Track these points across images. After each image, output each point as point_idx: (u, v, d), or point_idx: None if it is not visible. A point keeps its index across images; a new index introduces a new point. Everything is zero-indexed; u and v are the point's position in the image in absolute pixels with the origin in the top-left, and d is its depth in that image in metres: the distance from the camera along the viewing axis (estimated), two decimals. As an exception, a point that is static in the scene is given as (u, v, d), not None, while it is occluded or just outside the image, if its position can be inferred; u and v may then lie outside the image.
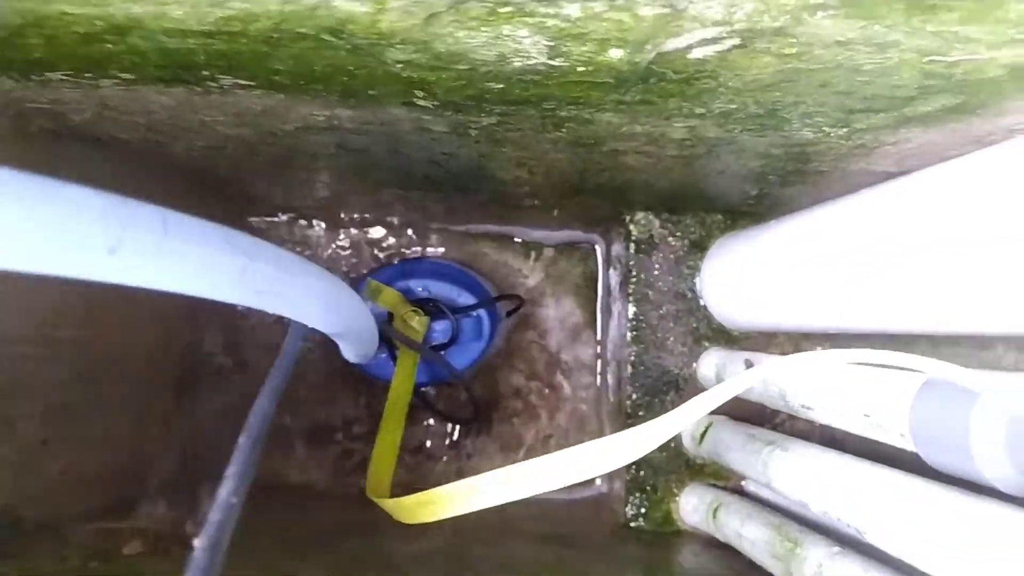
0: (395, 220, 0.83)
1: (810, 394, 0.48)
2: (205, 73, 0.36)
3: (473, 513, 0.79)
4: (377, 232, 0.84)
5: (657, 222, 0.73)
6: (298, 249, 0.83)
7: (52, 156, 0.50)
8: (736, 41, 0.29)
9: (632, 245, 0.73)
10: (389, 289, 0.68)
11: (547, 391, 0.88)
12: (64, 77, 0.38)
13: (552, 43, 0.29)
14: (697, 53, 0.31)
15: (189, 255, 0.20)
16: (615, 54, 0.30)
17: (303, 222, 0.83)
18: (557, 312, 0.87)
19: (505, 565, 0.57)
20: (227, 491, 0.22)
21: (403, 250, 0.84)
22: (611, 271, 0.82)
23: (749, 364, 0.60)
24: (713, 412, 0.71)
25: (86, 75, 0.37)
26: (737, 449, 0.59)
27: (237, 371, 0.81)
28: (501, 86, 0.36)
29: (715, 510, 0.64)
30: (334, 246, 0.84)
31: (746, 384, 0.44)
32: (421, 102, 0.40)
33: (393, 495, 0.58)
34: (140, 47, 0.32)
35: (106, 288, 0.61)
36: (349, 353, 0.46)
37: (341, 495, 0.77)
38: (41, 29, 0.30)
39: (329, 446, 0.82)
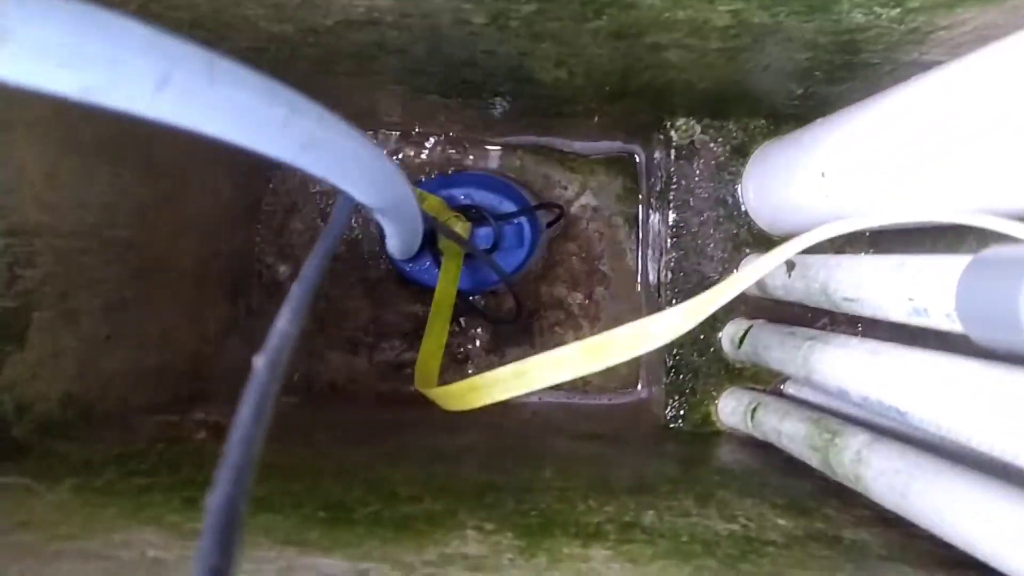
0: (435, 132, 0.83)
1: (852, 285, 0.48)
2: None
3: (515, 413, 0.82)
4: (417, 145, 0.84)
5: (698, 128, 0.72)
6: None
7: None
8: None
9: (673, 151, 0.72)
10: (432, 196, 0.69)
11: (587, 301, 0.88)
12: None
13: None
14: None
15: (235, 98, 0.21)
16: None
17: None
18: (597, 223, 0.88)
19: (546, 455, 0.59)
20: (284, 320, 0.23)
21: (443, 164, 0.84)
22: (651, 180, 0.81)
23: (791, 266, 0.59)
24: (753, 316, 0.72)
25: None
26: (776, 347, 0.59)
27: (289, 279, 0.83)
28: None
29: (753, 410, 0.65)
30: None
31: (783, 256, 0.44)
32: (462, -12, 0.40)
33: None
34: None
35: (154, 192, 0.62)
36: (394, 244, 0.47)
37: (390, 396, 0.80)
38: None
39: (378, 350, 0.84)
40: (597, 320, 0.89)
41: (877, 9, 0.43)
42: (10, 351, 0.46)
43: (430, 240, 0.70)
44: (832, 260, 0.54)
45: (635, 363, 0.87)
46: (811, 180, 0.59)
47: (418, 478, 0.49)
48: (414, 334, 0.84)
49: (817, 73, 0.58)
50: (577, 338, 0.88)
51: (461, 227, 0.68)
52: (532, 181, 0.86)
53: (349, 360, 0.83)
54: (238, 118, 0.22)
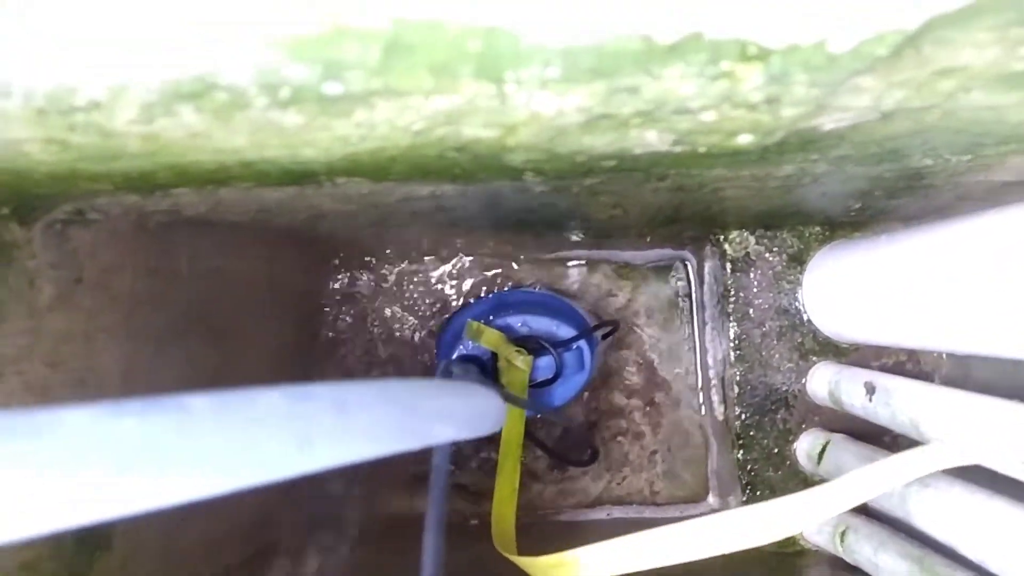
0: (484, 254, 0.83)
1: (948, 426, 0.46)
2: (324, 179, 0.37)
3: (591, 533, 0.80)
4: (466, 266, 0.84)
5: (752, 239, 0.71)
6: (383, 286, 0.85)
7: (166, 241, 0.52)
8: (876, 116, 0.28)
9: (728, 264, 0.71)
10: (490, 329, 0.69)
11: (648, 408, 0.87)
12: (187, 191, 0.39)
13: (679, 137, 0.28)
14: (829, 126, 0.30)
15: (365, 418, 0.21)
16: (743, 139, 0.29)
17: (396, 264, 0.85)
18: (651, 329, 0.87)
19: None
20: None
21: (493, 281, 0.84)
22: (704, 288, 0.80)
23: (870, 388, 0.58)
24: (829, 426, 0.70)
25: (208, 187, 0.38)
26: (864, 477, 0.57)
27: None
28: (614, 163, 0.36)
29: (842, 533, 0.62)
30: (422, 281, 0.85)
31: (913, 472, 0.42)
32: (529, 178, 0.40)
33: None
34: (265, 170, 0.33)
35: (222, 353, 0.63)
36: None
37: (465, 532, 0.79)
38: (173, 170, 0.31)
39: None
40: (659, 427, 0.87)
41: (948, 156, 0.43)
42: (99, 555, 0.45)
43: (490, 374, 0.69)
44: (920, 390, 0.52)
45: (702, 473, 0.85)
46: (876, 295, 0.57)
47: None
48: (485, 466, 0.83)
49: (877, 193, 0.57)
50: (641, 447, 0.87)
51: (523, 361, 0.67)
52: (582, 291, 0.86)
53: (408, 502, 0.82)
54: (374, 433, 0.21)
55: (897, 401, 0.53)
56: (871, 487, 0.44)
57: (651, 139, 0.28)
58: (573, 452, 0.81)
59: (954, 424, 0.46)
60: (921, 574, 0.50)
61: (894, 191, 0.56)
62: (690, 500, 0.85)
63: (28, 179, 0.30)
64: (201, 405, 0.16)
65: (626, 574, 0.44)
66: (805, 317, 0.70)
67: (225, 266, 0.62)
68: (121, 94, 0.20)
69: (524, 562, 0.50)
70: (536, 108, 0.22)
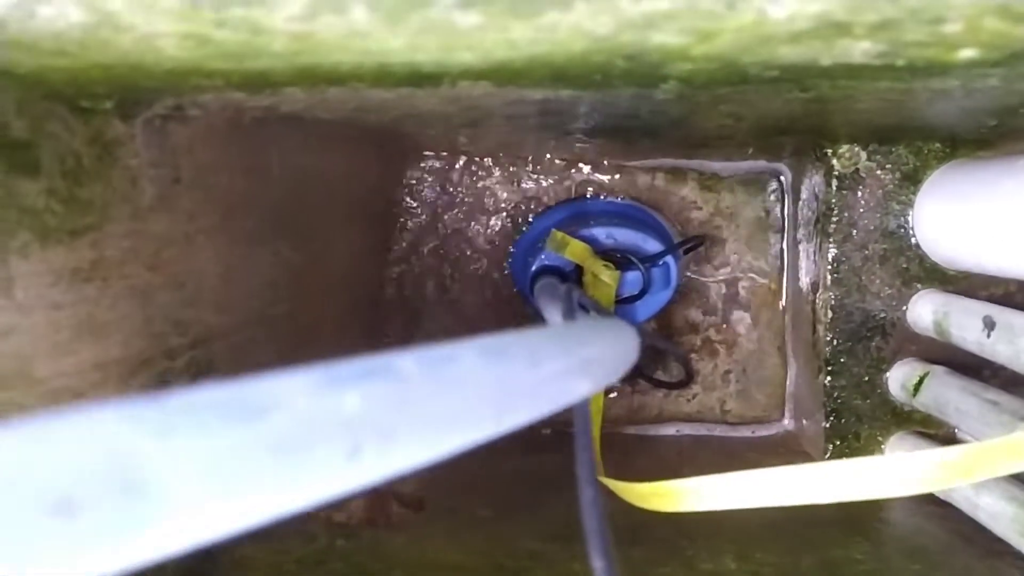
0: (569, 159, 0.79)
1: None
2: (447, 82, 0.33)
3: (662, 451, 0.79)
4: (549, 170, 0.81)
5: (863, 154, 0.66)
6: (461, 188, 0.82)
7: (258, 139, 0.50)
8: None
9: (834, 181, 0.67)
10: (575, 241, 0.66)
11: (724, 326, 0.84)
12: (298, 90, 0.36)
13: (890, 49, 0.24)
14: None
15: (554, 379, 0.18)
16: (965, 54, 0.25)
17: (474, 165, 0.81)
18: (735, 246, 0.83)
19: (716, 525, 0.56)
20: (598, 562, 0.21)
21: (575, 187, 0.81)
22: (800, 204, 0.76)
23: (989, 323, 0.54)
24: (927, 357, 0.66)
25: (319, 86, 0.35)
26: (974, 417, 0.54)
27: (420, 317, 0.82)
28: (777, 73, 0.31)
29: (934, 468, 0.60)
30: (502, 184, 0.82)
31: None
32: (667, 86, 0.36)
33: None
34: (393, 72, 0.30)
35: (306, 256, 0.61)
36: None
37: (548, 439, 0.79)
38: (303, 71, 0.28)
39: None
40: (735, 346, 0.84)
41: None
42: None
43: (576, 284, 0.67)
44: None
45: (779, 391, 0.83)
46: (1003, 218, 0.53)
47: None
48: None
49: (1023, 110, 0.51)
50: (715, 366, 0.85)
51: (609, 275, 0.65)
52: (663, 201, 0.82)
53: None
54: (556, 388, 0.19)
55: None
56: None
57: (856, 51, 0.24)
58: (658, 372, 0.79)
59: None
60: (1033, 519, 0.48)
61: (1045, 109, 0.51)
62: (762, 421, 0.83)
63: (141, 73, 0.28)
64: (410, 368, 0.14)
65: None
66: (913, 241, 0.66)
67: (310, 165, 0.59)
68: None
69: (617, 486, 0.49)
70: (768, 11, 0.19)
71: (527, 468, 0.70)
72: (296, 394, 0.12)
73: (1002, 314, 0.54)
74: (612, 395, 0.83)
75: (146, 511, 0.10)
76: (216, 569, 0.44)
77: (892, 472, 0.35)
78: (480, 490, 0.62)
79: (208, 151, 0.43)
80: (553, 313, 0.53)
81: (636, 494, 0.47)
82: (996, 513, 0.52)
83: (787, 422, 0.81)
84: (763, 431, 0.82)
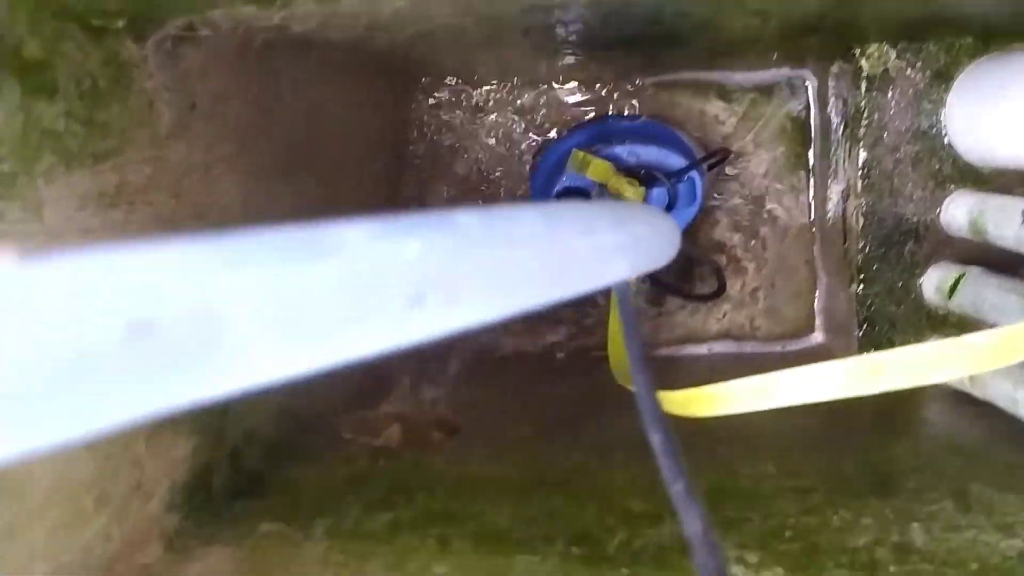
0: (586, 79, 0.77)
1: None
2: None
3: (691, 369, 0.79)
4: (565, 90, 0.79)
5: (893, 53, 0.64)
6: (475, 112, 0.80)
7: (268, 66, 0.49)
8: None
9: (864, 83, 0.64)
10: (598, 159, 0.65)
11: (752, 242, 0.83)
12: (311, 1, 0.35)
13: None
14: None
15: (606, 249, 0.18)
16: None
17: (488, 91, 0.80)
18: (759, 159, 0.81)
19: (752, 436, 0.57)
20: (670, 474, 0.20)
21: (594, 107, 0.79)
22: (828, 111, 0.73)
23: (1029, 215, 0.53)
24: (962, 259, 0.65)
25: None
26: (1012, 314, 0.53)
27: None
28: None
29: (972, 369, 0.60)
30: (517, 108, 0.80)
31: None
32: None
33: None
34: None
35: (326, 188, 0.61)
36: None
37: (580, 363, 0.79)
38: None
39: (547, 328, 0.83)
40: (763, 263, 0.83)
41: None
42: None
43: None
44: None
45: (808, 306, 0.82)
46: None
47: (640, 485, 0.47)
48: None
49: (1065, -12, 0.49)
50: (743, 284, 0.84)
51: (634, 192, 0.63)
52: (685, 117, 0.80)
53: (538, 327, 0.82)
54: (606, 261, 0.18)
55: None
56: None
57: None
58: (687, 286, 0.79)
59: None
60: (1077, 409, 0.48)
61: (1088, -15, 0.48)
62: (793, 336, 0.83)
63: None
64: (472, 223, 0.13)
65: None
66: (946, 141, 0.64)
67: (322, 94, 0.58)
68: None
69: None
70: None
71: (558, 394, 0.71)
72: (360, 239, 0.12)
73: (1040, 205, 0.52)
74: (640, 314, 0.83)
75: (215, 336, 0.10)
76: (266, 489, 0.45)
77: (937, 355, 0.35)
78: (515, 415, 0.62)
79: (220, 78, 0.42)
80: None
81: (674, 402, 0.47)
82: (1038, 407, 0.51)
83: (818, 335, 0.81)
84: (794, 346, 0.82)
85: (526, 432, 0.58)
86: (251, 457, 0.48)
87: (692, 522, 0.17)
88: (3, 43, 0.27)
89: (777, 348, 0.82)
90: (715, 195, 0.81)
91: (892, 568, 0.36)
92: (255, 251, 0.11)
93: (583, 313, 0.81)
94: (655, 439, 0.21)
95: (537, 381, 0.74)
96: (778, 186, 0.81)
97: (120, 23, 0.33)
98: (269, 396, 0.45)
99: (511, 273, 0.14)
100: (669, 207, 0.66)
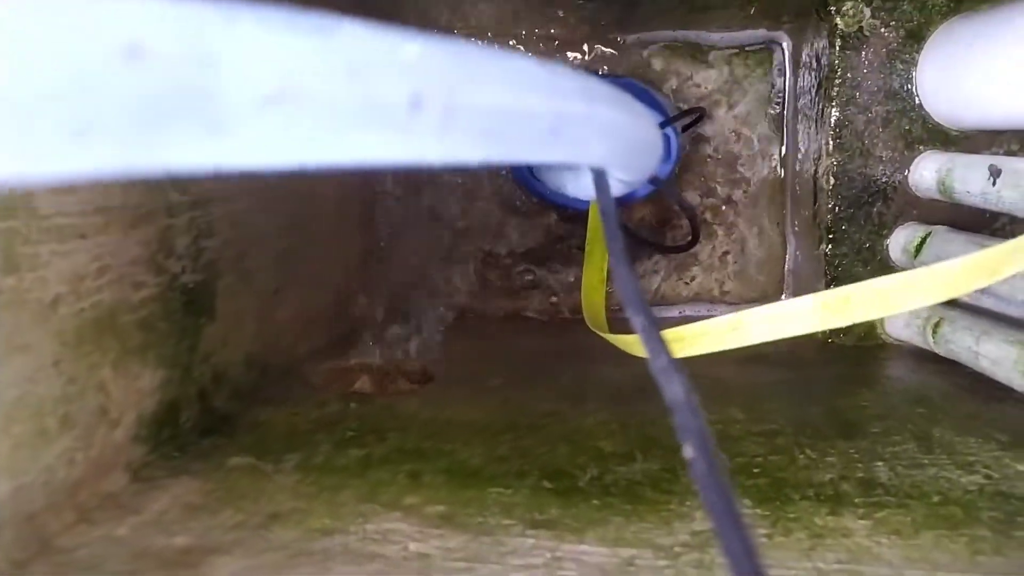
0: (563, 37, 0.77)
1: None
2: None
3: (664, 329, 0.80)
4: (542, 47, 0.78)
5: (868, 11, 0.64)
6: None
7: None
8: None
9: (838, 41, 0.65)
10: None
11: (723, 207, 0.84)
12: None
13: None
14: None
15: (600, 124, 0.17)
16: None
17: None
18: (734, 123, 0.81)
19: (723, 386, 0.57)
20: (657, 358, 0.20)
21: (571, 66, 0.78)
22: (801, 71, 0.74)
23: (995, 171, 0.54)
24: (928, 219, 0.66)
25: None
26: (979, 264, 0.54)
27: (411, 205, 0.81)
28: None
29: (935, 325, 0.61)
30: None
31: None
32: None
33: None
34: None
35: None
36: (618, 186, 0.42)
37: (555, 322, 0.79)
38: None
39: (535, 276, 0.83)
40: (735, 227, 0.84)
41: None
42: (203, 324, 0.45)
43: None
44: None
45: (778, 269, 0.83)
46: (1007, 69, 0.52)
47: (614, 427, 0.47)
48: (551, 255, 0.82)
49: (1038, -55, 0.50)
50: (713, 248, 0.85)
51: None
52: (661, 79, 0.80)
53: (487, 287, 0.82)
54: (600, 134, 0.18)
55: (1032, 181, 0.49)
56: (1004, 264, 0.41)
57: None
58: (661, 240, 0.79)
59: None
60: (1035, 358, 0.49)
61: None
62: (762, 299, 0.84)
63: None
64: (472, 48, 0.13)
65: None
66: (917, 101, 0.65)
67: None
68: None
69: (620, 340, 0.49)
70: None
71: (533, 349, 0.71)
72: (359, 31, 0.11)
73: (1007, 162, 0.53)
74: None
75: (210, 85, 0.09)
76: (235, 429, 0.44)
77: (905, 284, 0.35)
78: (491, 363, 0.62)
79: None
80: (569, 178, 0.52)
81: (639, 345, 0.47)
82: (998, 358, 0.52)
83: (785, 298, 0.82)
84: (762, 308, 0.82)
85: (500, 382, 0.58)
86: (220, 398, 0.47)
87: (674, 391, 0.17)
88: None
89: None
90: (689, 155, 0.81)
91: (857, 500, 0.37)
92: (255, 14, 0.10)
93: (558, 281, 0.81)
94: (637, 321, 0.21)
95: (513, 338, 0.74)
96: (751, 148, 0.81)
97: None
98: (237, 338, 0.44)
99: (506, 109, 0.14)
100: (644, 162, 0.66)
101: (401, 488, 0.38)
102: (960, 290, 0.34)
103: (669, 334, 0.45)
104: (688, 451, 0.16)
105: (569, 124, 0.16)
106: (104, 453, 0.35)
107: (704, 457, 0.16)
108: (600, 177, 0.29)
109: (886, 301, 0.36)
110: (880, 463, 0.41)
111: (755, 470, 0.41)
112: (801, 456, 0.43)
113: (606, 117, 0.18)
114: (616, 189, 0.42)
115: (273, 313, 0.55)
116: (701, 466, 0.16)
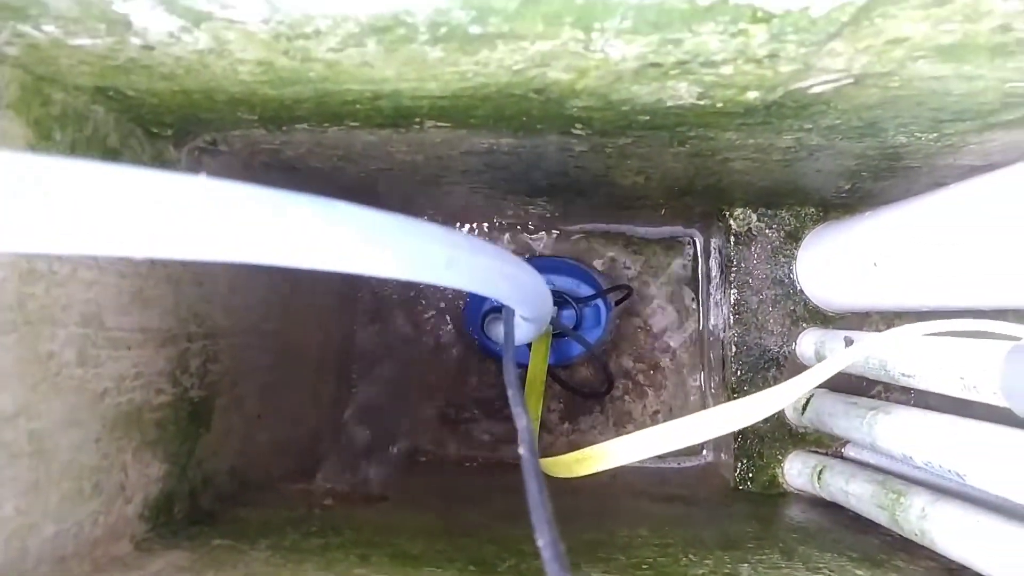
0: (515, 223, 0.93)
1: (910, 363, 0.56)
2: (417, 120, 0.46)
3: (602, 479, 0.89)
4: (499, 234, 0.94)
5: (754, 216, 0.81)
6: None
7: (261, 178, 0.62)
8: (850, 80, 0.38)
9: (732, 238, 0.81)
10: (519, 284, 0.78)
11: (652, 372, 0.96)
12: (306, 127, 0.48)
13: (702, 90, 0.38)
14: (817, 89, 0.39)
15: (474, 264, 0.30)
16: (752, 95, 0.38)
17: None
18: (659, 300, 0.96)
19: (637, 515, 0.66)
20: (521, 419, 0.31)
21: (523, 249, 0.94)
22: (710, 261, 0.90)
23: (849, 341, 0.67)
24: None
25: (324, 125, 0.48)
26: (840, 416, 0.66)
27: (385, 358, 0.93)
28: (648, 117, 0.45)
29: (819, 472, 0.72)
30: (458, 247, 0.94)
31: (853, 358, 0.52)
32: (577, 131, 0.49)
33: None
34: (382, 107, 0.42)
35: (292, 286, 0.73)
36: (524, 335, 0.55)
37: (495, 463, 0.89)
38: (321, 99, 0.41)
39: (471, 423, 0.93)
40: (663, 388, 0.96)
41: (917, 134, 0.52)
42: (201, 433, 0.55)
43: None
44: (886, 338, 0.61)
45: (700, 428, 0.94)
46: (862, 268, 0.67)
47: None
48: (501, 407, 0.93)
49: (864, 174, 0.66)
50: (644, 407, 0.96)
51: (548, 311, 0.77)
52: (600, 262, 0.95)
53: (442, 432, 0.92)
54: (476, 280, 0.30)
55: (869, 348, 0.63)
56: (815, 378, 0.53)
57: (682, 91, 0.37)
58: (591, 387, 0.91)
59: (912, 361, 0.55)
60: (883, 491, 0.60)
61: (878, 172, 0.66)
62: (687, 454, 0.94)
63: (207, 102, 0.40)
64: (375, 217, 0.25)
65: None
66: (798, 287, 0.80)
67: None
68: (339, 24, 0.29)
69: (549, 461, 0.59)
70: (608, 53, 0.32)
71: (476, 483, 0.80)
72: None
73: (857, 335, 0.67)
74: (559, 435, 0.94)
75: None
76: (218, 523, 0.53)
77: (744, 407, 0.47)
78: (434, 491, 0.71)
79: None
80: (500, 331, 0.65)
81: (564, 465, 0.57)
82: (860, 495, 0.63)
83: (706, 454, 0.92)
84: (687, 463, 0.93)
85: (446, 504, 0.66)
86: (206, 499, 0.56)
87: (546, 540, 0.27)
88: (97, 133, 0.40)
89: (674, 464, 0.93)
90: (619, 329, 0.95)
91: (719, 584, 0.46)
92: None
93: (506, 434, 0.92)
94: (516, 412, 0.32)
95: (459, 475, 0.83)
96: (674, 323, 0.96)
97: (168, 132, 0.46)
98: (225, 451, 0.54)
99: (408, 255, 0.26)
100: (576, 326, 0.79)
101: (352, 563, 0.46)
102: (778, 407, 0.46)
103: (575, 455, 0.56)
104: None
105: (461, 262, 0.28)
106: (118, 521, 0.44)
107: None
108: (508, 312, 0.41)
109: (746, 414, 0.48)
110: (746, 565, 0.51)
111: (644, 566, 0.50)
112: (684, 559, 0.52)
113: (498, 264, 0.31)
114: (526, 330, 0.55)
115: (255, 435, 0.64)
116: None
